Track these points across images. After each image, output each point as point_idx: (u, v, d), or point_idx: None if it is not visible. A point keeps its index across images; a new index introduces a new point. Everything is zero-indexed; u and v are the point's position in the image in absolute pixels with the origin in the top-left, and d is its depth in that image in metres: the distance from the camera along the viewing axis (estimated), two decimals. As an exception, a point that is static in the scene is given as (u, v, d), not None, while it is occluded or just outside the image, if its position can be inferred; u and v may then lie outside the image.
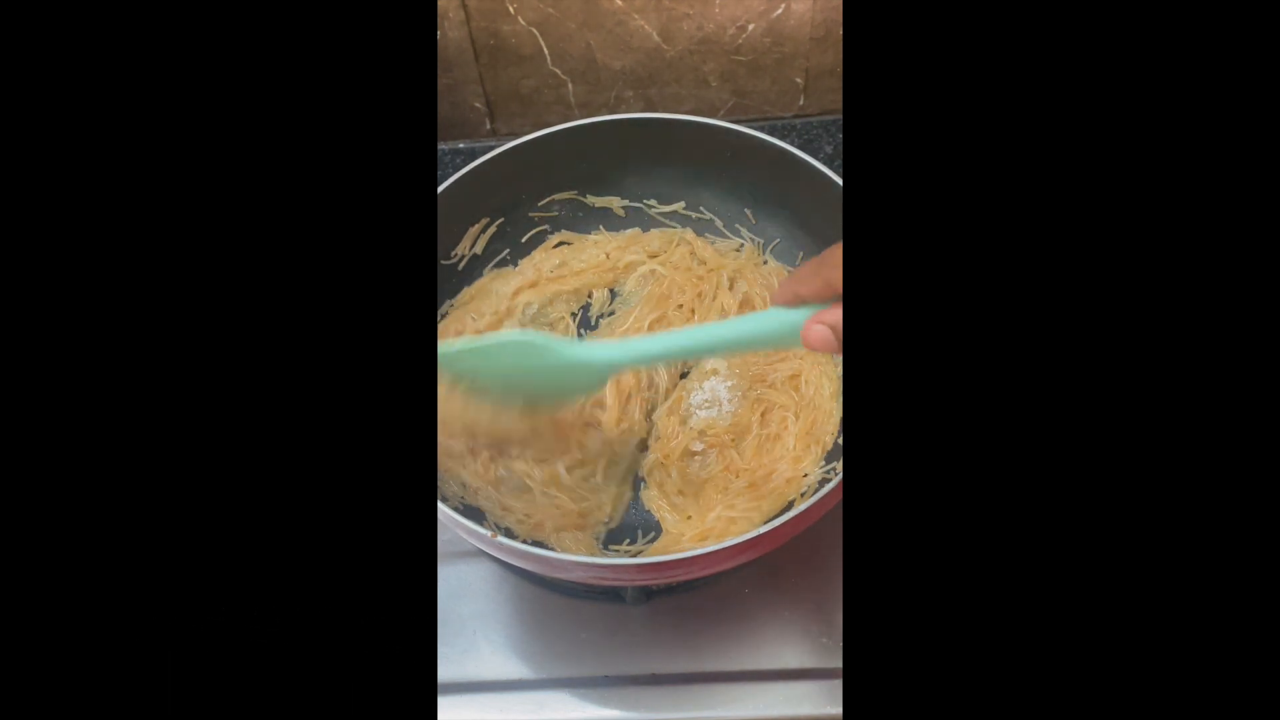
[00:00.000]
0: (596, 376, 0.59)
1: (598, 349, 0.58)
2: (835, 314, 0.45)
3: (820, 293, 0.46)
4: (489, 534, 0.58)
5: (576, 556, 0.58)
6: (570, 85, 0.87)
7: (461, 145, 0.91)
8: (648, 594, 0.69)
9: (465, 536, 0.60)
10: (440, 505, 0.58)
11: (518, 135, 0.76)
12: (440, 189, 0.72)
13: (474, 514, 0.63)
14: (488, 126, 0.91)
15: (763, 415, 0.71)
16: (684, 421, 0.72)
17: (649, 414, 0.73)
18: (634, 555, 0.66)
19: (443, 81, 0.86)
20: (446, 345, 0.58)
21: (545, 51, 0.84)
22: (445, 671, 0.67)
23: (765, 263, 0.80)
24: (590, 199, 0.81)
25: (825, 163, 0.71)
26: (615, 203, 0.81)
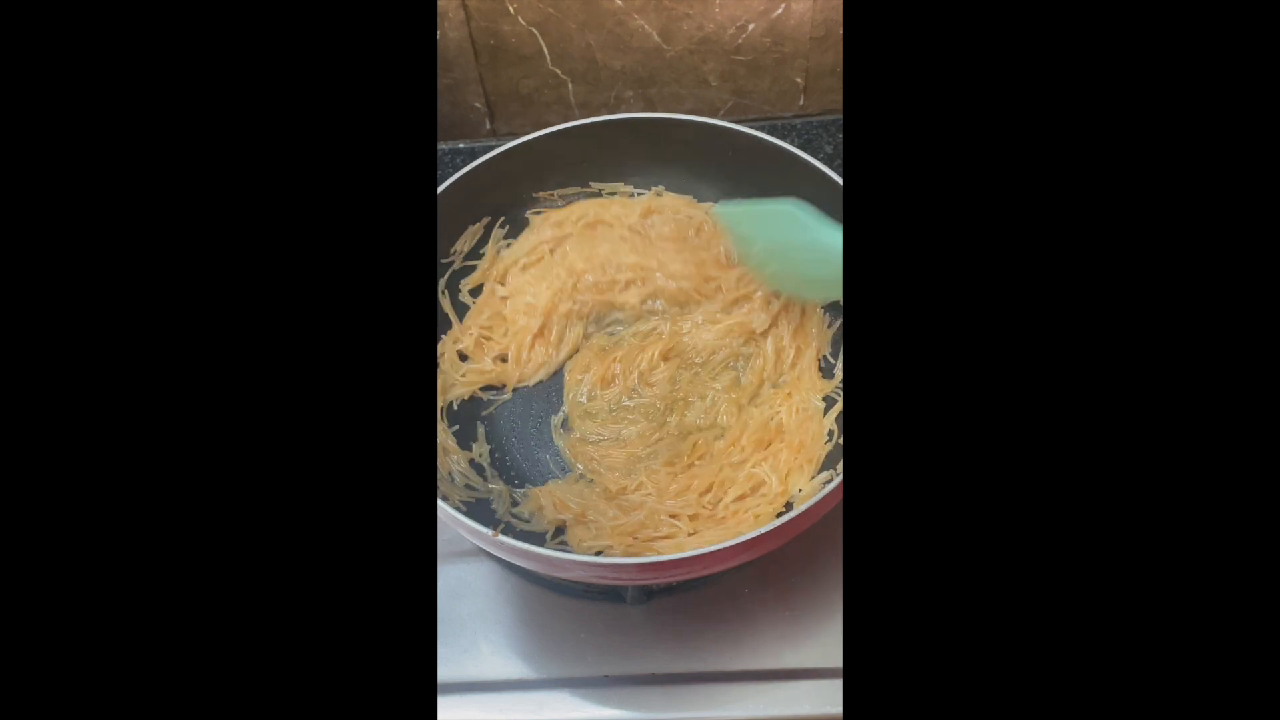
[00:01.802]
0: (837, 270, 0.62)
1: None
2: None
3: None
4: (490, 533, 0.58)
5: (577, 556, 0.58)
6: (570, 85, 0.87)
7: (461, 145, 0.91)
8: (648, 594, 0.69)
9: (466, 536, 0.60)
10: (441, 504, 0.58)
11: (518, 135, 0.76)
12: (440, 189, 0.72)
13: (476, 512, 0.63)
14: (488, 126, 0.91)
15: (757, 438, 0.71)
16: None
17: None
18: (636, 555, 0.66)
19: (443, 81, 0.86)
20: (727, 205, 0.70)
21: (545, 51, 0.84)
22: (445, 671, 0.67)
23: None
24: (595, 185, 0.81)
25: (825, 163, 0.71)
26: (621, 188, 0.81)
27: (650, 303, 0.76)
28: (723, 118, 0.86)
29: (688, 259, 0.76)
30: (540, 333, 0.75)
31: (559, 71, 0.86)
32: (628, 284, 0.76)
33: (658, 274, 0.75)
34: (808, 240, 0.65)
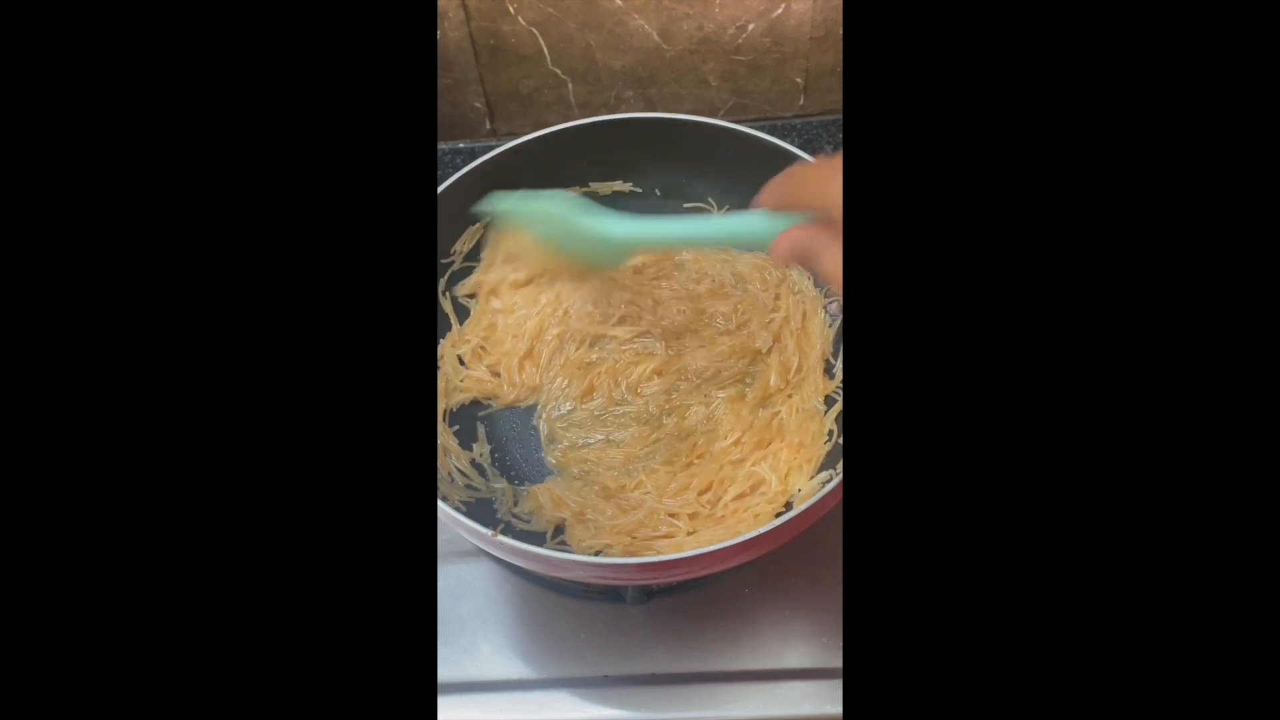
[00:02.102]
0: (617, 252, 0.62)
1: (616, 225, 0.61)
2: (804, 232, 0.46)
3: (783, 205, 0.49)
4: (489, 533, 0.58)
5: (576, 556, 0.58)
6: (570, 85, 0.87)
7: (461, 145, 0.91)
8: (648, 594, 0.68)
9: (466, 536, 0.60)
10: (441, 504, 0.58)
11: (518, 135, 0.76)
12: (440, 189, 0.72)
13: (476, 512, 0.63)
14: (488, 126, 0.91)
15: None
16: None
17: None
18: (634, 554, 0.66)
19: (443, 81, 0.86)
20: (499, 200, 0.65)
21: (545, 51, 0.84)
22: (445, 671, 0.66)
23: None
24: (595, 185, 0.81)
25: (825, 162, 0.71)
26: (620, 185, 0.80)
27: (644, 339, 0.75)
28: (723, 118, 0.86)
29: (680, 293, 0.75)
30: (529, 354, 0.74)
31: (559, 71, 0.86)
32: (621, 318, 0.76)
33: (648, 316, 0.75)
34: (576, 229, 0.63)
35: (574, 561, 0.57)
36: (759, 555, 0.60)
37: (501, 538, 0.57)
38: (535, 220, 0.64)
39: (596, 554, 0.64)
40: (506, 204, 0.65)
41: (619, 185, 0.81)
